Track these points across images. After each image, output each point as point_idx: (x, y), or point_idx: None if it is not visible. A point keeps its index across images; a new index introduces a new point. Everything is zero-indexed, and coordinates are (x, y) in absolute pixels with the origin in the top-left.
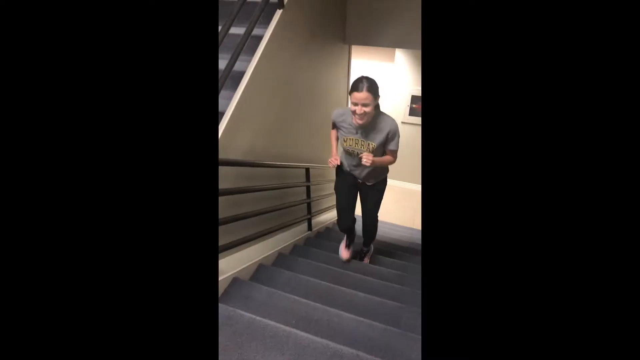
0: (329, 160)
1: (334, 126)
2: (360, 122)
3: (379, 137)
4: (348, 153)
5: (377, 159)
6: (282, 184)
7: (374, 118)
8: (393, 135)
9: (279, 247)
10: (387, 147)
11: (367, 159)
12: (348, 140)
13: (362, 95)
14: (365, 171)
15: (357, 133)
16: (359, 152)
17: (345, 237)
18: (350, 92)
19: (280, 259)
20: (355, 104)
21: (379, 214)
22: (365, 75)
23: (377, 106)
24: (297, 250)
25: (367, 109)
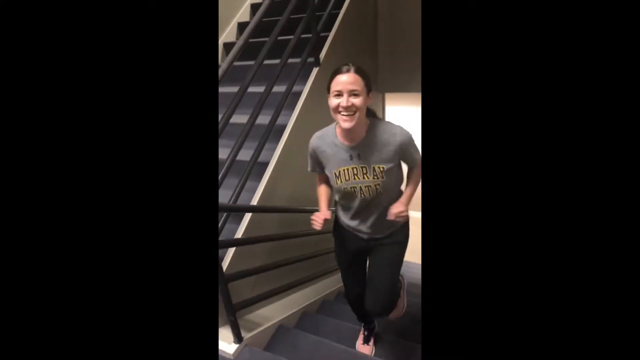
0: (311, 218)
1: (318, 171)
2: (347, 125)
3: (387, 154)
4: (346, 197)
5: (407, 195)
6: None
7: (372, 130)
8: (408, 142)
9: (324, 293)
10: (406, 161)
11: (397, 213)
12: (342, 173)
13: (349, 77)
14: (373, 218)
15: (351, 159)
16: (362, 188)
17: (362, 327)
18: (330, 81)
19: (326, 306)
20: (339, 94)
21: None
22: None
23: (373, 114)
24: (341, 296)
25: (357, 102)
